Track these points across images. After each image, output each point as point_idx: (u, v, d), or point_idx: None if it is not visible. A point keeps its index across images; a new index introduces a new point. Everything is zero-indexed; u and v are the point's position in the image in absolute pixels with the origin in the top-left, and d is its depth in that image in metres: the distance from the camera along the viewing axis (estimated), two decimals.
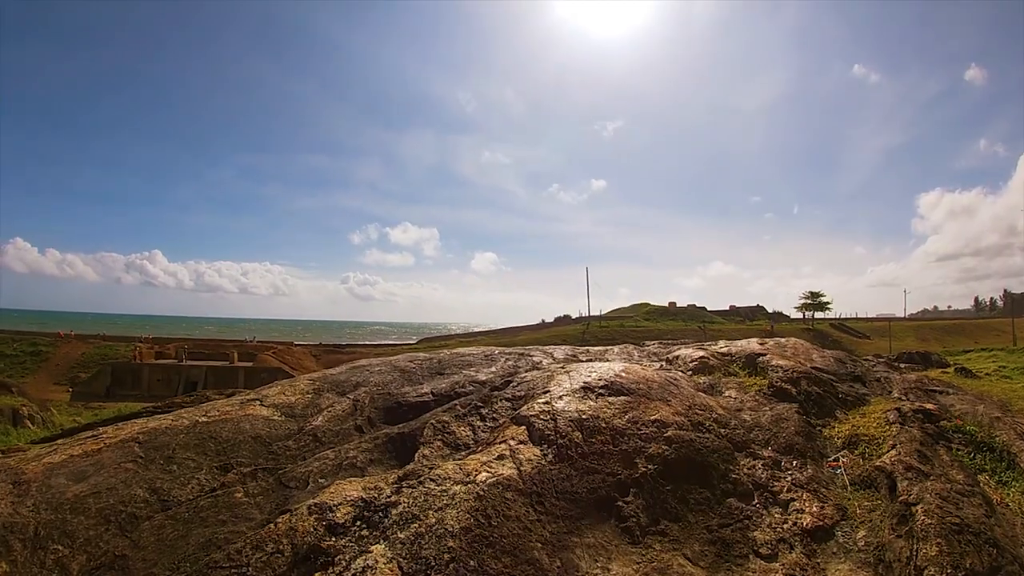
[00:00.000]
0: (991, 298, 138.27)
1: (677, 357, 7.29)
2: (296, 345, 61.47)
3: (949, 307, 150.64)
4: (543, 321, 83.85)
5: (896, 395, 6.55)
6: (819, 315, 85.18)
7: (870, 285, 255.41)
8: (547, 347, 7.98)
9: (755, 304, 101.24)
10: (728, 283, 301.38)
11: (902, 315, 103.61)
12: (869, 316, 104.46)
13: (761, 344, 7.85)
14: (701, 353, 7.30)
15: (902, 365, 12.67)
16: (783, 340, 8.26)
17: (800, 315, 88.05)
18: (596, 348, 8.42)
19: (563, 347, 8.16)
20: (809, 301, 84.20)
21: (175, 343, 54.06)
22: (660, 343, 9.46)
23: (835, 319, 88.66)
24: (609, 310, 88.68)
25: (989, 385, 10.84)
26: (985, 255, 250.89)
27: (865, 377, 6.99)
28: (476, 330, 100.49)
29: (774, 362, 6.63)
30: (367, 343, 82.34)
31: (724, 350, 7.63)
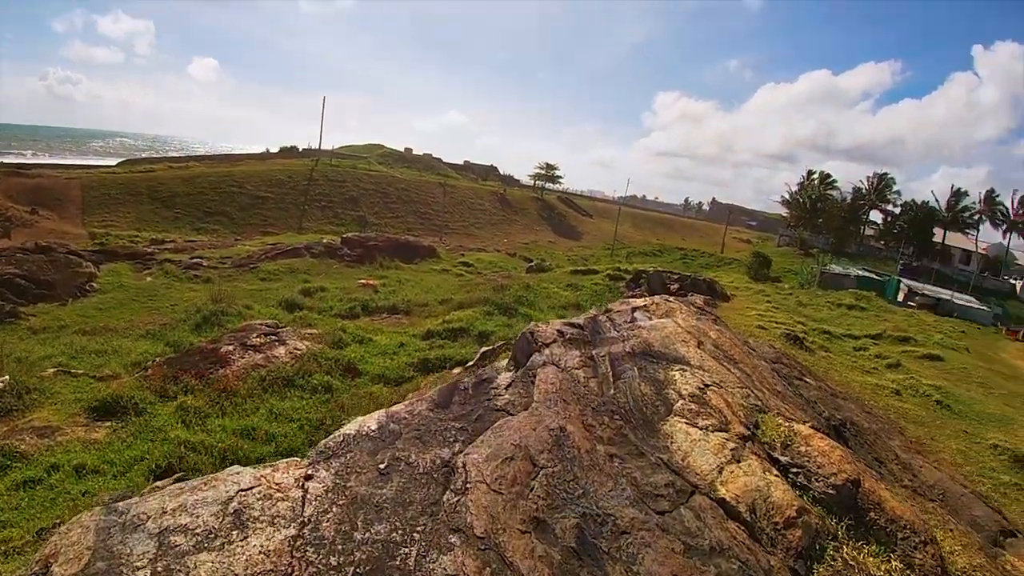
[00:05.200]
0: (699, 202, 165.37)
1: (774, 508, 4.70)
2: None
3: (656, 198, 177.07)
4: (267, 151, 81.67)
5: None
6: (549, 186, 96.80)
7: (591, 162, 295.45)
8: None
9: (489, 164, 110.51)
10: (460, 134, 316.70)
11: (611, 195, 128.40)
12: (585, 192, 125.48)
13: (699, 346, 7.35)
14: (790, 512, 4.65)
15: (693, 296, 12.87)
16: (715, 337, 8.08)
17: (531, 183, 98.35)
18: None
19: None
20: (543, 172, 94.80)
21: None
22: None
23: (562, 192, 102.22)
24: (341, 145, 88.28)
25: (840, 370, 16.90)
26: (699, 161, 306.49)
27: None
28: (193, 153, 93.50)
29: (887, 508, 5.06)
30: (52, 162, 71.00)
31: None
